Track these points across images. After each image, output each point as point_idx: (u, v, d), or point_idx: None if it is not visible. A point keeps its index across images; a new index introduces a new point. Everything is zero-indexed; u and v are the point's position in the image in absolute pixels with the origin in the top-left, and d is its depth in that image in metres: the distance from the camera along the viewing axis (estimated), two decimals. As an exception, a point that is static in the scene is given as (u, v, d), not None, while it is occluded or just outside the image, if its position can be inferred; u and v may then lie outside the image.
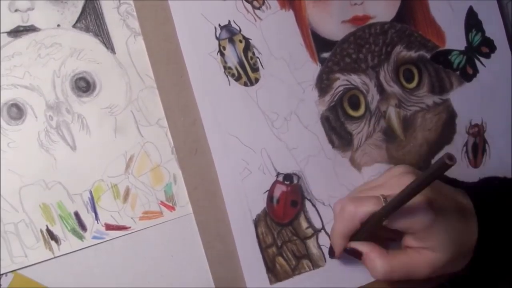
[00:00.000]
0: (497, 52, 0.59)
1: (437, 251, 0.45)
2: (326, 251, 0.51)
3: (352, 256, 0.49)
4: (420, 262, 0.46)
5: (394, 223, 0.45)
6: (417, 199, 0.43)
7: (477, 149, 0.58)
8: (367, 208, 0.45)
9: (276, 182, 0.50)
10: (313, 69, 0.53)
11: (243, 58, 0.50)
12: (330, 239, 0.51)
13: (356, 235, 0.48)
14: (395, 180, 0.47)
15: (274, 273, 0.49)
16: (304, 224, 0.51)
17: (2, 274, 0.43)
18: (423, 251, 0.46)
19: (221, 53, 0.50)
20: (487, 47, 0.59)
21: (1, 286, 0.43)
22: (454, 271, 0.48)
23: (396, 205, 0.43)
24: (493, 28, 0.59)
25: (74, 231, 0.45)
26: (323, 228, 0.52)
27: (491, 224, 0.47)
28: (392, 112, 0.55)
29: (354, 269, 0.51)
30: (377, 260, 0.46)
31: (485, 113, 0.58)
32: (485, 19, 0.59)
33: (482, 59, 0.59)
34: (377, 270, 0.47)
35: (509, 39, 0.60)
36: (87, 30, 0.47)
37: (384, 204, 0.45)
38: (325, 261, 0.51)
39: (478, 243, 0.46)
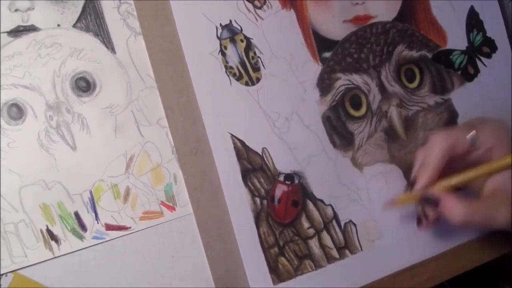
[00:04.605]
0: (498, 52, 0.60)
1: None
2: (327, 252, 0.51)
3: (428, 204, 0.48)
4: (498, 206, 0.46)
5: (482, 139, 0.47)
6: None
7: (479, 149, 0.58)
8: (457, 134, 0.47)
9: (277, 182, 0.50)
10: (315, 68, 0.53)
11: (244, 58, 0.50)
12: (412, 178, 0.49)
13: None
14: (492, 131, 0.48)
15: (276, 273, 0.49)
16: (306, 224, 0.51)
17: (2, 274, 0.43)
18: (502, 195, 0.46)
19: (223, 52, 0.50)
20: (488, 47, 0.59)
21: (1, 286, 0.42)
22: None
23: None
24: (494, 28, 0.60)
25: (74, 231, 0.45)
26: (324, 228, 0.51)
27: None
28: (393, 111, 0.54)
29: (355, 269, 0.52)
30: (458, 204, 0.46)
31: (486, 113, 0.58)
32: (486, 19, 0.59)
33: (483, 59, 0.59)
34: (457, 213, 0.46)
35: (510, 39, 0.60)
36: (87, 30, 0.47)
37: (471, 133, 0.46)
38: (327, 262, 0.51)
39: None
